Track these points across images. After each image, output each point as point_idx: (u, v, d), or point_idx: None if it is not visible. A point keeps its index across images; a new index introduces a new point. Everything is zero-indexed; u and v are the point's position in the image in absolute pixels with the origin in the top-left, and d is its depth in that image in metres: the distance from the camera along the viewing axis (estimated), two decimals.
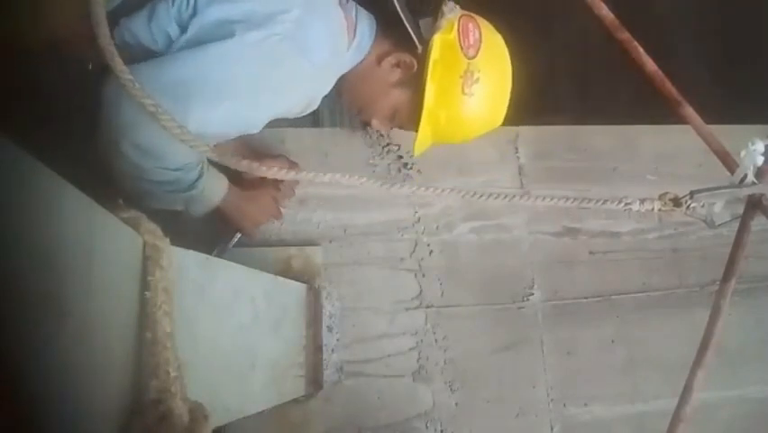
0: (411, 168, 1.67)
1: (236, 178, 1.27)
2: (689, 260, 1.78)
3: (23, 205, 0.43)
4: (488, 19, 1.36)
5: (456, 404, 1.57)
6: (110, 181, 1.04)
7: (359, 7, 1.26)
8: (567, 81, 2.81)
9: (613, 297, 1.72)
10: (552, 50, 2.66)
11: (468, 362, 1.60)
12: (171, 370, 0.62)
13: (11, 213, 0.42)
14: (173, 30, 1.04)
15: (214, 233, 1.38)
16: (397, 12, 1.18)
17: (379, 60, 1.26)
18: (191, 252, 0.79)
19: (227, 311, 0.92)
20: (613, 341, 1.70)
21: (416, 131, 1.31)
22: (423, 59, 1.24)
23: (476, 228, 1.69)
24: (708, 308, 1.11)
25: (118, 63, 0.84)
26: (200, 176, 1.14)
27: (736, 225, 1.10)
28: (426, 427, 1.55)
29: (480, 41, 1.24)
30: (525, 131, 1.78)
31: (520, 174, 1.75)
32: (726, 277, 1.10)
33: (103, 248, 0.56)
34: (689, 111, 1.15)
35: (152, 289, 0.62)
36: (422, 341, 1.59)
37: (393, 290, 1.60)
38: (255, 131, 1.14)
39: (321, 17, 1.14)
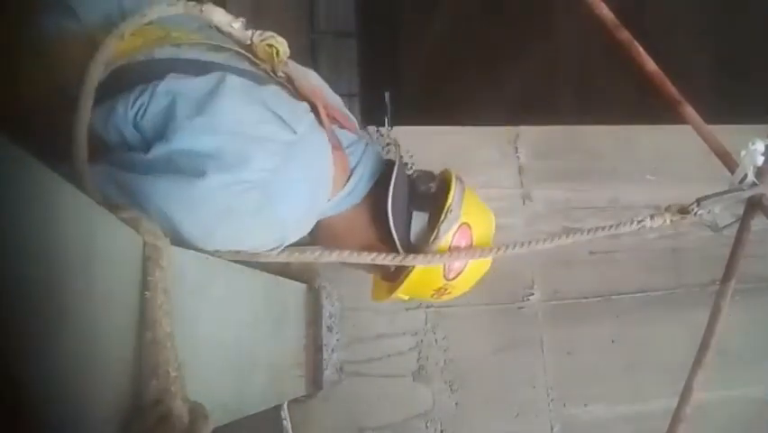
0: (411, 168, 1.67)
1: None
2: (689, 260, 1.78)
3: (23, 205, 0.43)
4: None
5: (456, 404, 1.57)
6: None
7: (367, 149, 1.09)
8: (567, 81, 2.81)
9: (613, 297, 1.72)
10: (552, 50, 2.66)
11: (468, 362, 1.60)
12: (171, 370, 0.61)
13: (11, 213, 0.42)
14: (129, 132, 0.89)
15: None
16: (387, 213, 1.02)
17: (361, 243, 1.08)
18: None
19: (227, 311, 0.91)
20: (613, 341, 1.70)
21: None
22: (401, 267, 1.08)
23: None
24: (708, 308, 1.11)
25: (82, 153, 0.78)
26: None
27: (737, 225, 1.11)
28: (426, 427, 1.55)
29: (465, 264, 1.10)
30: (525, 131, 1.78)
31: (520, 174, 1.75)
32: (726, 277, 1.11)
33: (103, 248, 0.56)
34: (689, 111, 1.15)
35: (152, 289, 0.62)
36: (422, 341, 1.59)
37: None
38: None
39: (302, 167, 0.94)
